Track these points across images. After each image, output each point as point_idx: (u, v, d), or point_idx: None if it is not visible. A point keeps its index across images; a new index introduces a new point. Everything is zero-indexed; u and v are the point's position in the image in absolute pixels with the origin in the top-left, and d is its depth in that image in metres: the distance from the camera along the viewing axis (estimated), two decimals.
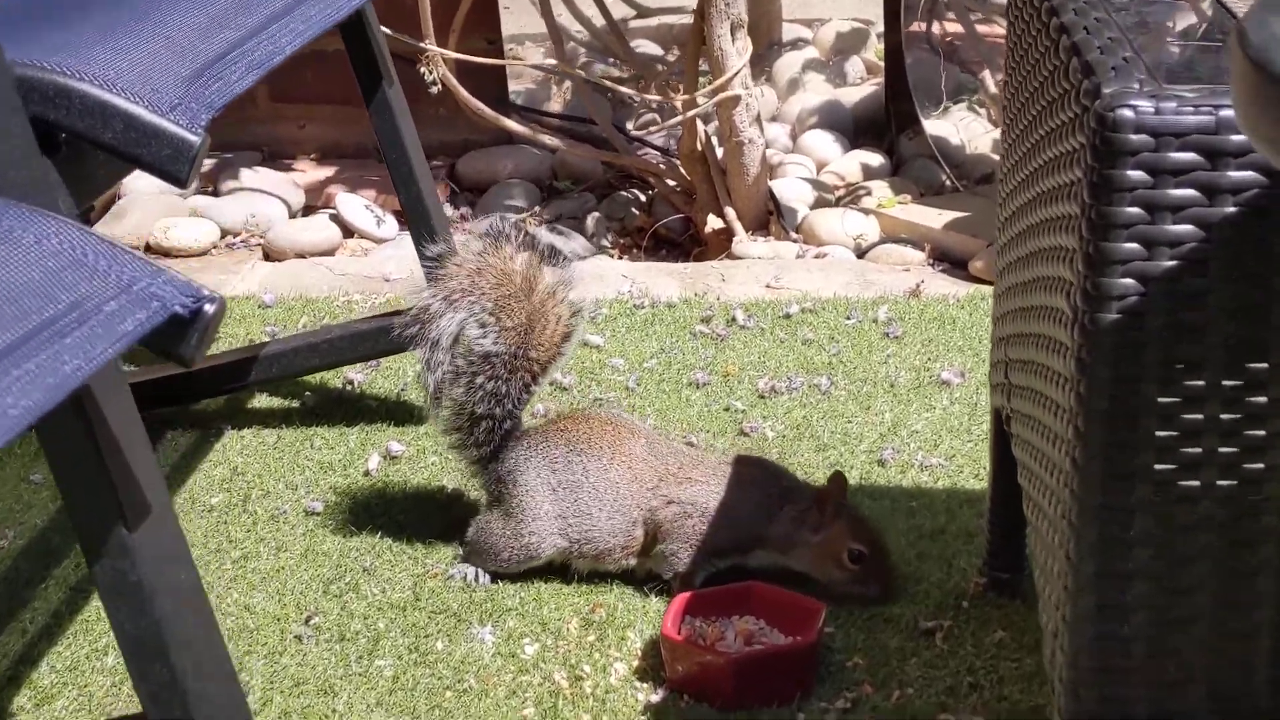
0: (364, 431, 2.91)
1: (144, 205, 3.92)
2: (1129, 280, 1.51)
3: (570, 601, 2.42)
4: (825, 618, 2.25)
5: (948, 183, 3.87)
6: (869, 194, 3.83)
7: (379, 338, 2.84)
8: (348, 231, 3.88)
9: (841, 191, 3.91)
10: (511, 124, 3.81)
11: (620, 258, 3.79)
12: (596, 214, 3.94)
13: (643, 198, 4.02)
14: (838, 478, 2.39)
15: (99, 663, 2.32)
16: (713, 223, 3.71)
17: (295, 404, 3.04)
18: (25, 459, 2.86)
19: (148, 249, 3.82)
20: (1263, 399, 1.53)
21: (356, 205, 3.91)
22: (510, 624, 2.36)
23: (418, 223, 2.80)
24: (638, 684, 2.23)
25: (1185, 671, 1.61)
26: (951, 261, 3.56)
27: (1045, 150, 1.78)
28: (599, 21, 4.00)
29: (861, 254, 3.65)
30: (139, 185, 3.97)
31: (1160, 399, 1.53)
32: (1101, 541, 1.57)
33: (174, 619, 1.46)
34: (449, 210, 4.00)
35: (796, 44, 4.69)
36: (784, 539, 2.39)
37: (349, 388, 3.08)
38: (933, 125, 3.96)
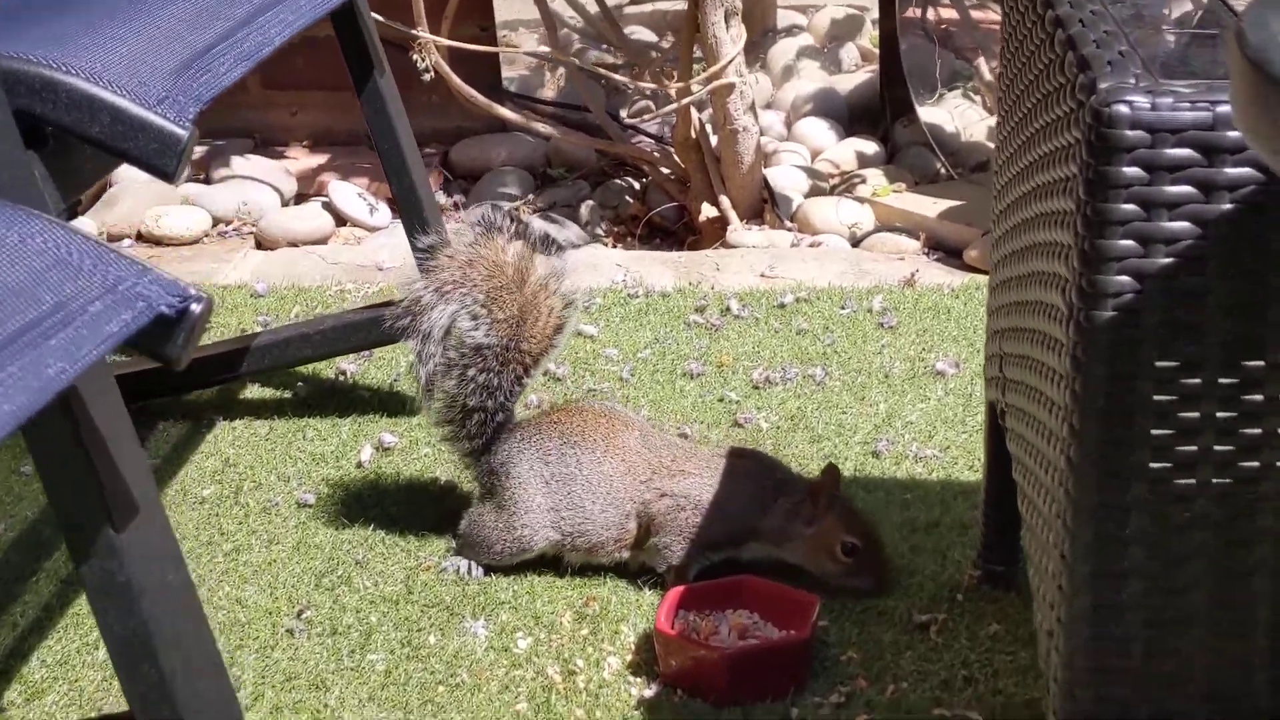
0: (356, 423, 2.90)
1: (135, 193, 3.90)
2: (1125, 278, 1.50)
3: (564, 595, 2.41)
4: (819, 611, 2.24)
5: (942, 171, 3.85)
6: (864, 182, 3.82)
7: (372, 328, 2.83)
8: (340, 220, 3.87)
9: (836, 180, 3.90)
10: (505, 111, 3.79)
11: (614, 246, 3.78)
12: (590, 202, 3.93)
13: (637, 186, 4.00)
14: (831, 470, 2.38)
15: (90, 657, 2.31)
16: (707, 211, 3.70)
17: (288, 395, 3.02)
18: (16, 451, 2.85)
19: (139, 237, 3.81)
20: (1259, 397, 1.52)
21: (349, 193, 3.89)
22: (503, 617, 2.35)
23: (410, 213, 2.79)
24: (631, 678, 2.22)
25: (1182, 671, 1.60)
26: (946, 250, 3.54)
27: (1040, 144, 1.76)
28: (592, 8, 3.98)
29: (856, 243, 3.64)
30: (130, 173, 3.95)
31: (1156, 397, 1.52)
32: (1097, 541, 1.56)
33: (162, 619, 1.44)
34: (442, 198, 3.98)
35: (791, 30, 4.67)
36: (777, 532, 2.38)
37: (341, 378, 3.07)
38: (927, 112, 3.94)
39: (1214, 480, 1.55)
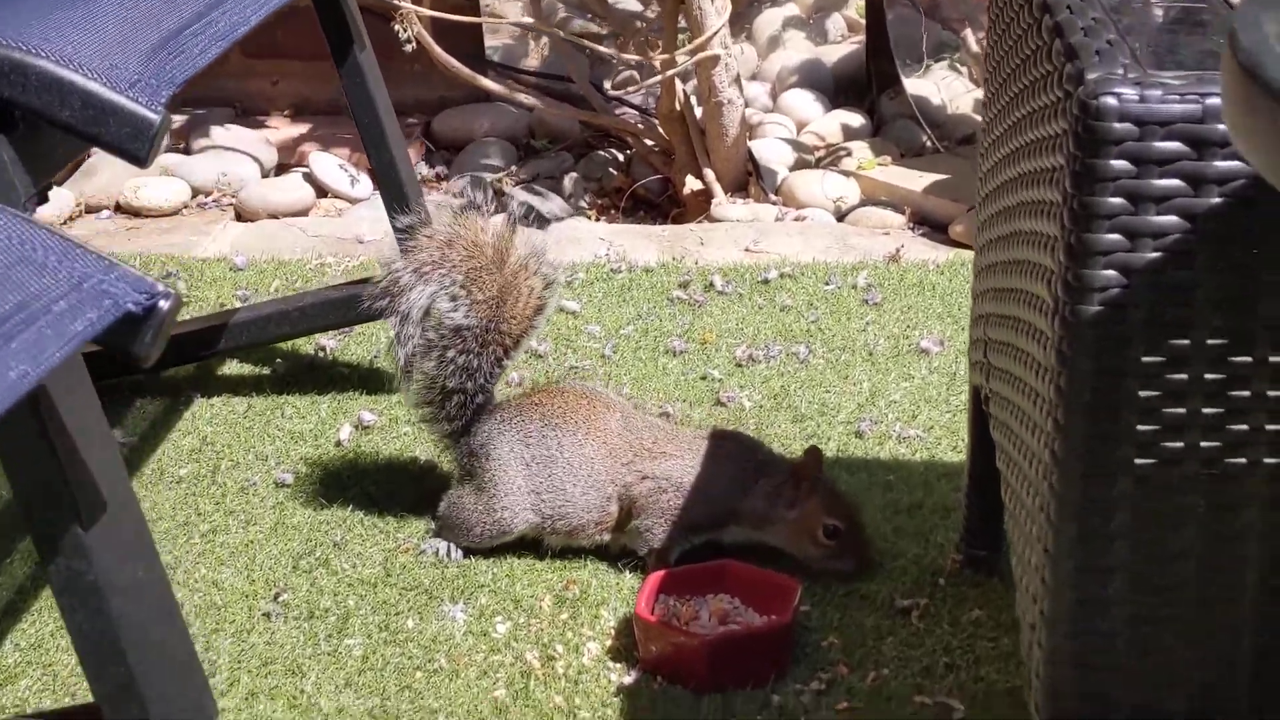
0: (336, 400, 2.87)
1: (114, 163, 3.84)
2: (1111, 272, 1.47)
3: (543, 578, 2.38)
4: (801, 596, 2.22)
5: (928, 144, 3.82)
6: (849, 155, 3.79)
7: (351, 305, 2.79)
8: (321, 191, 3.83)
9: (821, 152, 3.87)
10: (487, 83, 3.76)
11: (598, 219, 3.75)
12: (574, 174, 3.89)
13: (621, 158, 3.97)
14: (813, 452, 2.36)
15: (64, 640, 2.28)
16: (691, 184, 3.67)
17: (266, 371, 3.00)
18: None
19: (118, 208, 3.77)
20: (1246, 393, 1.50)
21: (330, 164, 3.85)
22: (482, 601, 2.33)
23: (390, 188, 2.76)
24: (611, 664, 2.20)
25: (1166, 668, 1.58)
26: (932, 225, 3.52)
27: (1026, 131, 1.74)
28: None
29: (841, 217, 3.61)
30: None
31: (1142, 393, 1.50)
32: (1081, 536, 1.54)
33: (132, 619, 1.42)
34: (424, 169, 3.95)
35: (776, 0, 4.63)
36: (759, 514, 2.37)
37: (321, 354, 3.04)
38: (914, 84, 3.91)
39: (1200, 476, 1.53)
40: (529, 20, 3.77)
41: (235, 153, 3.92)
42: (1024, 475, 1.72)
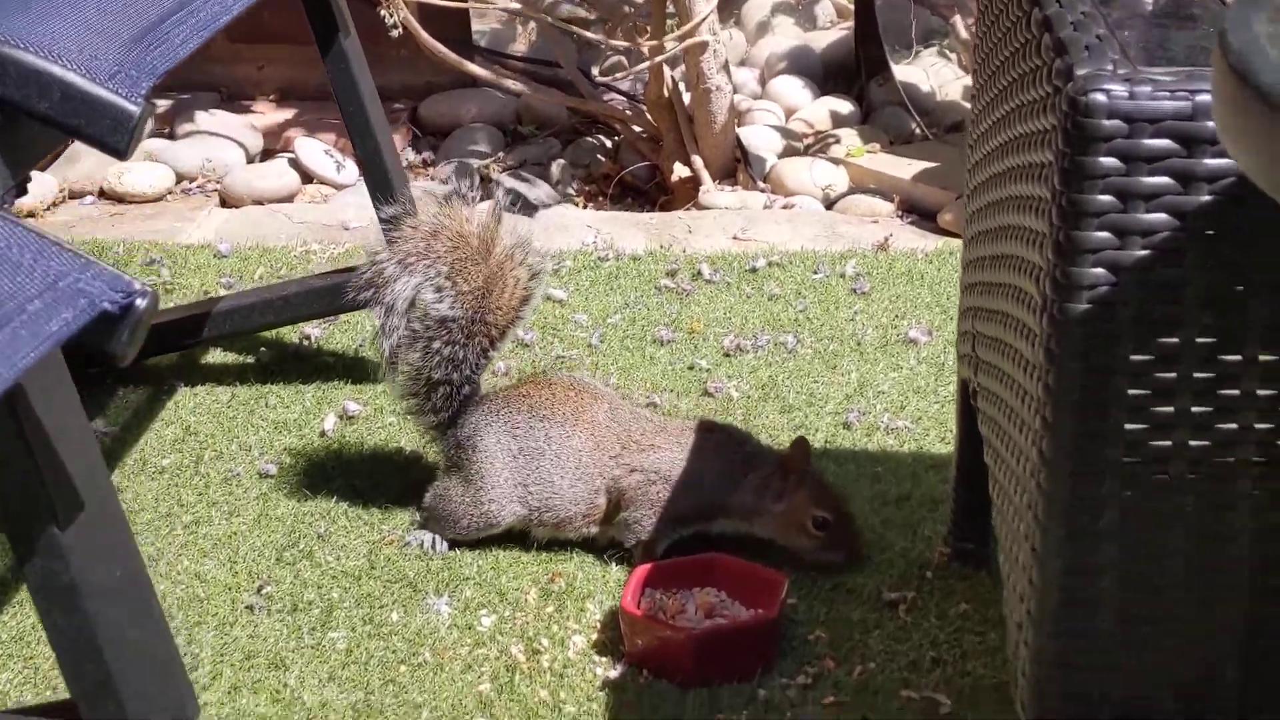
0: (320, 389, 2.85)
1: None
2: (1100, 270, 1.46)
3: (529, 570, 2.37)
4: (788, 590, 2.21)
5: (917, 131, 3.81)
6: (838, 142, 3.77)
7: (336, 294, 2.78)
8: (307, 177, 3.81)
9: (810, 139, 3.85)
10: (474, 68, 3.73)
11: (585, 206, 3.73)
12: (561, 161, 3.87)
13: (609, 144, 3.95)
14: (801, 443, 2.35)
15: (45, 634, 2.27)
16: (679, 171, 3.65)
17: (250, 360, 2.98)
18: None
19: (101, 194, 3.75)
20: (1235, 392, 1.49)
21: (316, 150, 3.83)
22: (467, 594, 2.32)
23: (375, 178, 2.74)
24: (596, 658, 2.19)
25: (1155, 669, 1.57)
26: (920, 213, 3.50)
27: (1015, 125, 1.72)
28: None
29: (830, 204, 3.59)
30: None
31: (1131, 391, 1.49)
32: (1069, 536, 1.53)
33: (109, 618, 1.40)
34: (411, 155, 3.93)
35: None
36: (748, 507, 2.35)
37: (306, 343, 3.02)
38: (902, 71, 3.89)
39: (1189, 476, 1.51)
40: (516, 5, 3.75)
41: (220, 138, 3.89)
42: (1012, 472, 1.71)
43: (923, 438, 2.66)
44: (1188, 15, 1.63)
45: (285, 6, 3.69)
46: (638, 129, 3.80)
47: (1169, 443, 1.50)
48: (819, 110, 3.94)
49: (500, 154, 3.91)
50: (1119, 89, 1.42)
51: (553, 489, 2.37)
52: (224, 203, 3.72)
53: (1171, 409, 1.49)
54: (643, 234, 3.41)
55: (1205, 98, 1.41)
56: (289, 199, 3.73)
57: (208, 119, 3.97)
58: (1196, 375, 1.48)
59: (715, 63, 3.55)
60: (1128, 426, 1.50)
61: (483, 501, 2.37)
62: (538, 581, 2.34)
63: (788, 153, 3.76)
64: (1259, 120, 0.97)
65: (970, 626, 2.22)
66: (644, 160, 3.79)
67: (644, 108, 3.78)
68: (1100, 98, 1.42)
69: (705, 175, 3.62)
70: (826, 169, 3.65)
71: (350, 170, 3.79)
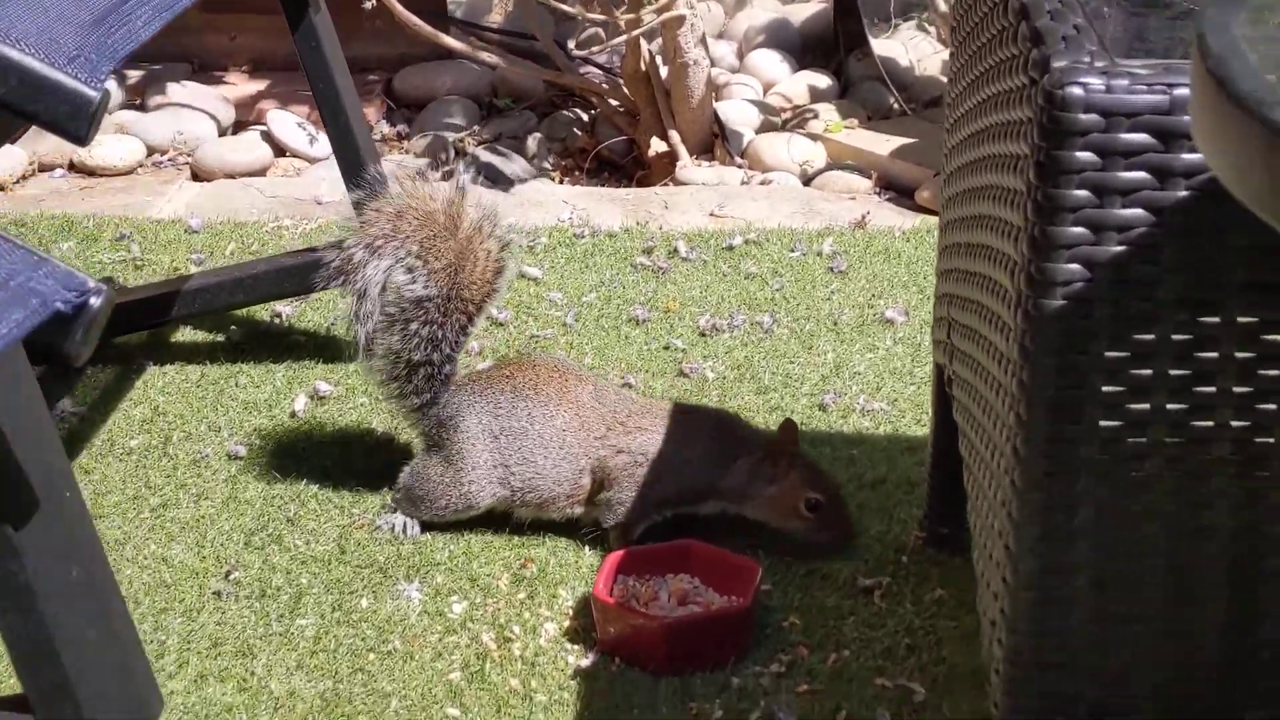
0: (291, 369, 2.82)
1: None
2: (1075, 266, 1.44)
3: (501, 556, 2.35)
4: (762, 577, 2.19)
5: (895, 106, 3.78)
6: (816, 117, 3.74)
7: (307, 273, 2.72)
8: (279, 150, 3.77)
9: (788, 114, 3.82)
10: (449, 40, 3.69)
11: (562, 180, 3.69)
12: (538, 134, 3.84)
13: (585, 118, 3.91)
14: (789, 426, 2.33)
15: None
16: (656, 145, 3.61)
17: (220, 338, 2.94)
18: None
19: (71, 167, 3.70)
20: (1212, 389, 1.47)
21: (289, 122, 3.79)
22: (438, 580, 2.29)
23: (346, 157, 2.70)
24: (568, 645, 2.17)
25: (1128, 668, 1.55)
26: (898, 190, 3.48)
27: (991, 113, 1.69)
28: None
29: (808, 181, 3.57)
30: None
31: (1106, 389, 1.46)
32: (1043, 535, 1.51)
33: (66, 620, 1.38)
34: (385, 128, 3.89)
35: None
36: (739, 490, 2.33)
37: (277, 321, 2.99)
38: (881, 45, 3.86)
39: (1165, 474, 1.50)
40: None
41: (192, 110, 3.85)
42: (986, 466, 1.69)
43: (899, 420, 2.64)
44: (1166, 4, 1.60)
45: None
46: (615, 103, 3.77)
47: (1145, 440, 1.48)
48: (797, 85, 3.91)
49: (476, 127, 3.88)
50: (1096, 82, 1.39)
51: (536, 469, 2.35)
52: (195, 176, 3.68)
53: (1147, 406, 1.47)
54: (619, 210, 3.38)
55: (1183, 92, 1.39)
56: (261, 172, 3.69)
57: (179, 90, 3.93)
58: (1172, 372, 1.46)
59: (693, 36, 3.52)
60: (1103, 424, 1.48)
61: (463, 482, 2.35)
62: (510, 567, 2.32)
63: (765, 128, 3.73)
64: (1236, 126, 0.95)
65: (946, 613, 2.20)
66: (621, 134, 3.75)
67: (621, 81, 3.74)
68: (1077, 91, 1.39)
69: (682, 150, 3.59)
70: (804, 145, 3.62)
71: (323, 144, 3.74)
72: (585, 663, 2.14)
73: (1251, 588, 1.54)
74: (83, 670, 1.41)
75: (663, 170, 3.61)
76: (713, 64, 3.66)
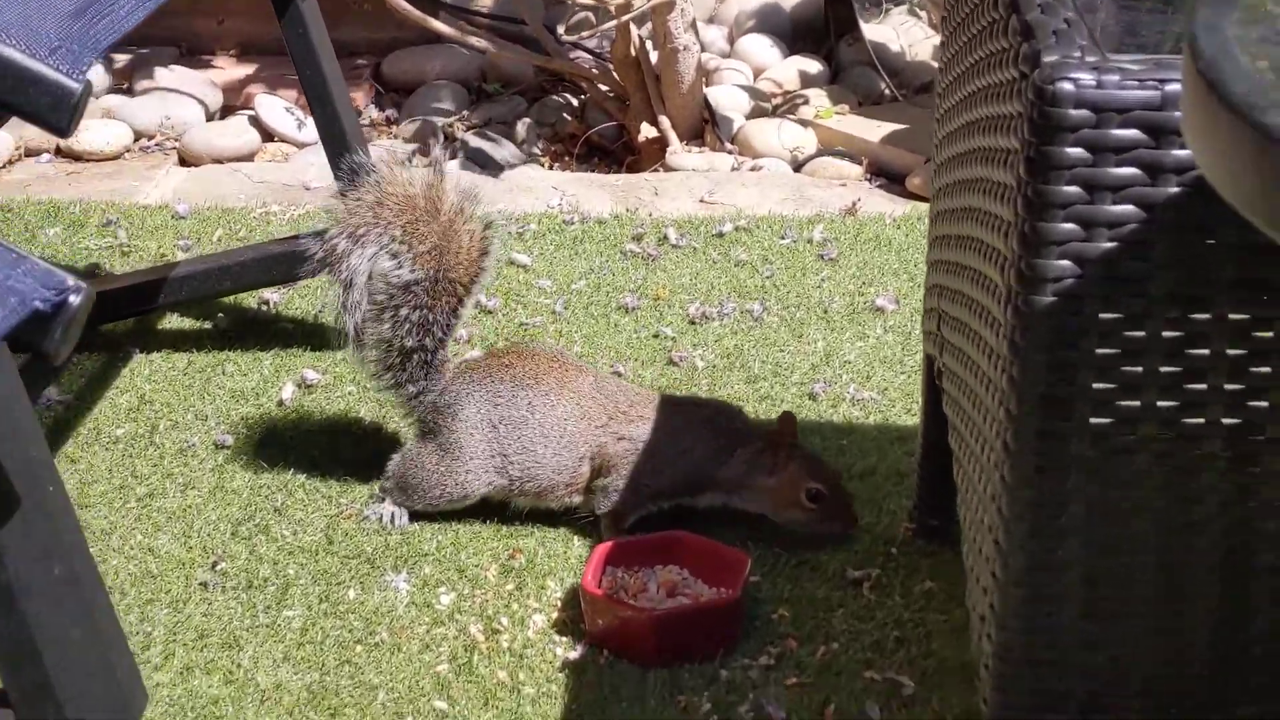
0: (279, 357, 2.81)
1: None
2: (1066, 262, 1.43)
3: (489, 546, 2.34)
4: (751, 568, 2.18)
5: (886, 92, 3.76)
6: (806, 103, 3.72)
7: (294, 261, 2.71)
8: (267, 135, 3.75)
9: (779, 100, 3.80)
10: (438, 24, 3.67)
11: (551, 166, 3.68)
12: (527, 120, 3.82)
13: (575, 103, 3.89)
14: (788, 418, 2.32)
15: None
16: (646, 131, 3.60)
17: (208, 325, 2.93)
18: None
19: (58, 152, 3.68)
20: (1202, 386, 1.46)
21: (277, 107, 3.77)
22: (426, 570, 2.28)
23: (333, 144, 2.68)
24: (557, 638, 2.16)
25: (1118, 665, 1.55)
26: (889, 176, 3.47)
27: (981, 105, 1.68)
28: None
29: (798, 167, 3.55)
30: None
31: (1096, 385, 1.45)
32: (1033, 532, 1.50)
33: (47, 619, 1.36)
34: (374, 112, 3.87)
35: None
36: (737, 481, 2.32)
37: (264, 308, 2.97)
38: (872, 30, 3.85)
39: (1155, 470, 1.49)
40: None
41: (179, 94, 3.83)
42: (976, 460, 1.68)
43: (889, 409, 2.63)
44: None
45: None
46: (604, 88, 3.75)
47: (1135, 437, 1.47)
48: (788, 70, 3.89)
49: (465, 112, 3.86)
50: (1087, 78, 1.38)
51: (536, 458, 2.34)
52: (183, 161, 3.66)
53: (1138, 403, 1.46)
54: (609, 196, 3.37)
55: (1175, 87, 1.37)
56: (249, 157, 3.67)
57: (167, 75, 3.90)
58: (1163, 369, 1.45)
59: (683, 21, 3.50)
60: (1093, 421, 1.47)
61: (458, 471, 2.34)
62: (498, 558, 2.31)
63: (756, 113, 3.72)
64: (1228, 130, 0.94)
65: (935, 605, 2.20)
66: (611, 120, 3.74)
67: (611, 66, 3.72)
68: (1067, 87, 1.38)
69: (672, 136, 3.57)
70: (795, 130, 3.60)
71: (311, 128, 3.71)
72: (573, 655, 2.13)
73: (1242, 584, 1.53)
74: (65, 670, 1.39)
75: (653, 156, 3.59)
76: (703, 49, 3.64)
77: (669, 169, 3.52)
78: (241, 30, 4.08)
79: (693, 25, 3.53)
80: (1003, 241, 1.52)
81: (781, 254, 3.10)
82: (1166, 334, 1.44)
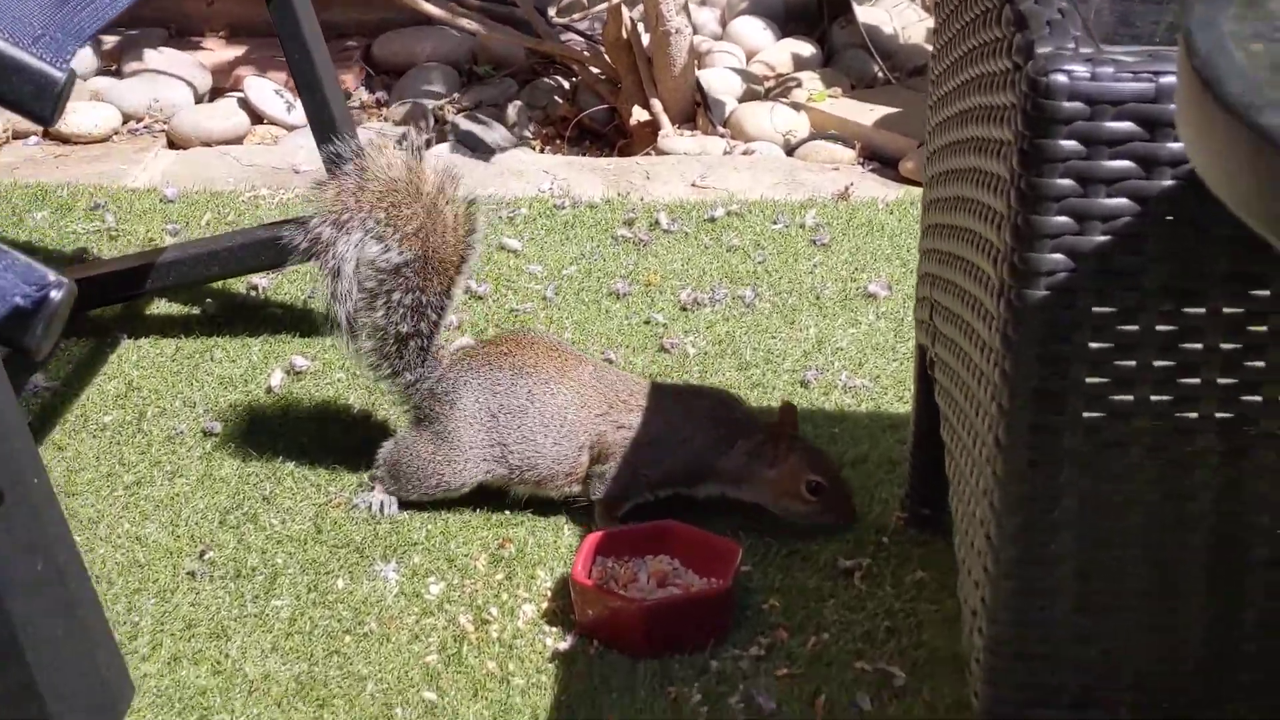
0: (267, 343, 2.79)
1: None
2: (1059, 255, 1.41)
3: (479, 536, 2.32)
4: (742, 558, 2.17)
5: (880, 75, 3.74)
6: (799, 86, 3.70)
7: (282, 246, 2.70)
8: (257, 117, 3.73)
9: (771, 83, 3.78)
10: (429, 6, 3.65)
11: (542, 149, 3.66)
12: (518, 102, 3.80)
13: (566, 86, 3.87)
14: (788, 409, 2.31)
15: None
16: (638, 114, 3.58)
17: (196, 311, 2.91)
18: None
19: (46, 135, 3.66)
20: (1196, 380, 1.45)
21: (266, 89, 3.75)
22: (415, 560, 2.27)
23: (321, 129, 2.66)
24: (546, 628, 2.15)
25: (1110, 659, 1.54)
26: (882, 160, 3.45)
27: (974, 95, 1.67)
28: None
29: (791, 150, 3.53)
30: None
31: (1090, 379, 1.44)
32: (1025, 526, 1.49)
33: (30, 617, 1.35)
34: (364, 94, 3.84)
35: None
36: (737, 473, 2.31)
37: (253, 293, 2.96)
38: (865, 13, 3.83)
39: (1148, 464, 1.48)
40: None
41: (168, 76, 3.80)
42: (968, 453, 1.67)
43: (881, 397, 2.62)
44: None
45: None
46: (596, 71, 3.73)
47: (1126, 430, 1.46)
48: (780, 52, 3.87)
49: (455, 95, 3.84)
50: (1080, 70, 1.37)
51: (535, 447, 2.32)
52: (171, 144, 3.64)
53: (1131, 398, 1.45)
54: (600, 180, 3.35)
55: (1169, 80, 1.36)
56: (238, 140, 3.65)
57: (155, 57, 3.88)
58: (1156, 364, 1.44)
59: (674, 3, 3.48)
60: (1086, 415, 1.46)
61: (455, 460, 2.32)
62: (488, 547, 2.30)
63: (748, 96, 3.70)
64: (1223, 130, 0.92)
65: (926, 595, 2.18)
66: (602, 103, 3.72)
67: (602, 49, 3.70)
68: (1061, 79, 1.37)
69: (664, 119, 3.55)
70: (787, 114, 3.59)
71: (301, 111, 3.70)
72: (563, 645, 2.11)
73: (1235, 579, 1.52)
74: (49, 669, 1.38)
75: (645, 139, 3.58)
76: (695, 31, 3.62)
77: (661, 152, 3.50)
78: (231, 11, 4.06)
79: (685, 7, 3.51)
80: (995, 233, 1.51)
81: (773, 239, 3.08)
82: (1160, 328, 1.42)
